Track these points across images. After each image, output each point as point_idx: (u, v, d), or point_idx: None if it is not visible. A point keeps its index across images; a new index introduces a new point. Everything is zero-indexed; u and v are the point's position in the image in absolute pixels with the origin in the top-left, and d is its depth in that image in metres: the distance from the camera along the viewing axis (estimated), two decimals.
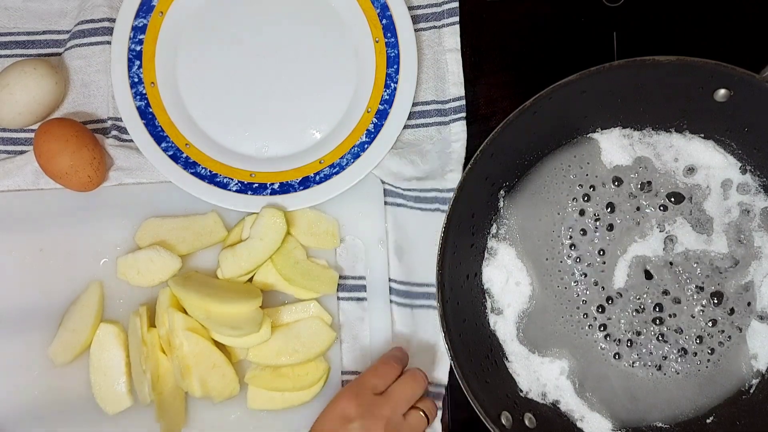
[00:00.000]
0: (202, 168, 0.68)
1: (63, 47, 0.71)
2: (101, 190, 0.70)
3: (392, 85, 0.68)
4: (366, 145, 0.68)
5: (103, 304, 0.69)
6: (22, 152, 0.71)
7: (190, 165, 0.68)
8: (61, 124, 0.67)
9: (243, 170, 0.69)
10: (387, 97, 0.68)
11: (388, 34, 0.69)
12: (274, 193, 0.68)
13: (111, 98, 0.70)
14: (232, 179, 0.68)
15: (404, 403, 0.61)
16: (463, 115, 0.69)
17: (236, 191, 0.68)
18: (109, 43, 0.70)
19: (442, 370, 0.67)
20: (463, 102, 0.69)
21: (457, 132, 0.69)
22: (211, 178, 0.68)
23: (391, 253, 0.69)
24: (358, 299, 0.69)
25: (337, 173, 0.68)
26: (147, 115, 0.69)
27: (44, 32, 0.72)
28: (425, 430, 0.62)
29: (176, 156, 0.68)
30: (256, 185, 0.68)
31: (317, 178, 0.68)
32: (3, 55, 0.72)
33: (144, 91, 0.69)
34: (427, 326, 0.68)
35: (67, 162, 0.65)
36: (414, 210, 0.69)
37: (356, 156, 0.68)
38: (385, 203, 0.69)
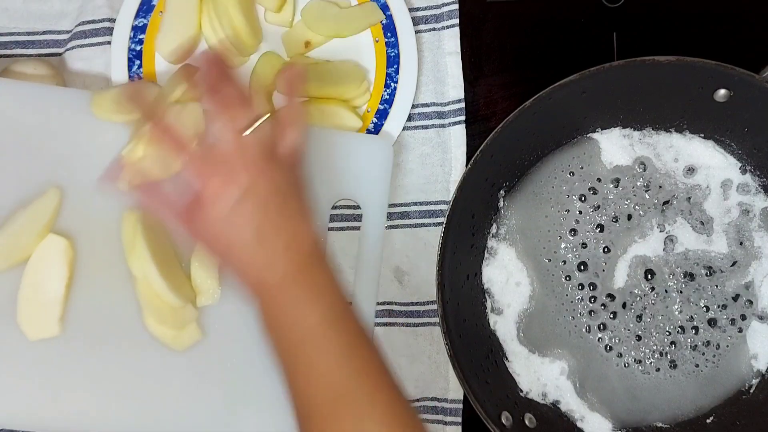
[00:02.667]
0: None
1: (63, 47, 0.71)
2: None
3: (392, 84, 0.68)
4: None
5: (58, 213, 0.61)
6: None
7: None
8: None
9: None
10: (387, 97, 0.68)
11: (388, 34, 0.69)
12: None
13: None
14: None
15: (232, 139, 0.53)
16: (463, 118, 0.69)
17: None
18: (109, 43, 0.69)
19: (454, 387, 0.67)
20: (463, 105, 0.69)
21: (458, 137, 0.69)
22: None
23: (390, 277, 0.68)
24: None
25: None
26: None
27: (44, 32, 0.72)
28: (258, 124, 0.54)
29: None
30: None
31: None
32: (3, 55, 0.71)
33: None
34: (431, 344, 0.68)
35: None
36: (415, 228, 0.69)
37: None
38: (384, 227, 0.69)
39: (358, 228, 0.67)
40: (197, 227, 0.53)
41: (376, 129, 0.68)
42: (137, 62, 0.69)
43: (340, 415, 0.49)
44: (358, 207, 0.67)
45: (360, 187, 0.66)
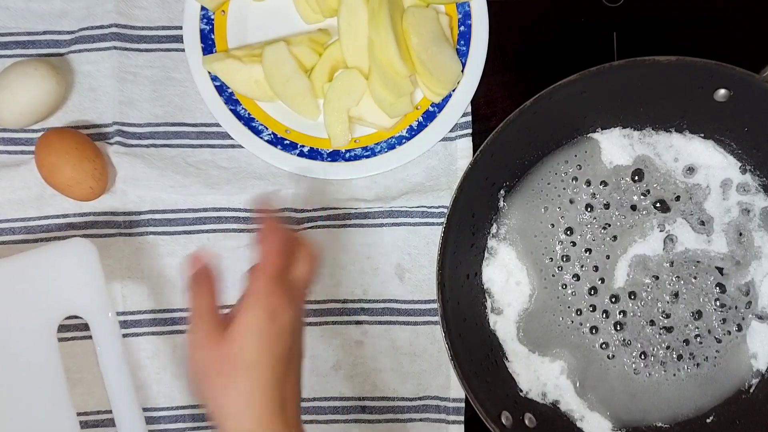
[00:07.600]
0: (242, 108, 0.68)
1: (64, 47, 0.71)
2: None
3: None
4: (404, 140, 0.68)
5: None
6: (22, 152, 0.71)
7: (231, 101, 0.68)
8: (61, 136, 0.67)
9: (280, 123, 0.69)
10: (441, 101, 0.68)
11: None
12: (302, 155, 0.68)
13: (118, 104, 0.70)
14: (267, 128, 0.68)
15: (308, 283, 0.54)
16: (470, 131, 0.69)
17: (267, 141, 0.68)
18: (116, 48, 0.70)
19: (456, 386, 0.67)
20: (470, 118, 0.69)
21: (464, 149, 0.69)
22: (248, 121, 0.68)
23: (391, 274, 0.69)
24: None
25: (367, 157, 0.68)
26: (208, 41, 0.69)
27: (45, 32, 0.72)
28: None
29: (222, 88, 0.68)
30: (288, 142, 0.68)
31: (347, 155, 0.68)
32: (3, 56, 0.72)
33: (212, 16, 0.69)
34: (432, 343, 0.68)
35: (69, 174, 0.66)
36: (418, 227, 0.69)
37: (391, 147, 0.68)
38: (383, 225, 0.69)
39: (89, 337, 0.63)
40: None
41: (419, 128, 0.68)
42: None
43: None
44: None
45: (78, 297, 0.62)
